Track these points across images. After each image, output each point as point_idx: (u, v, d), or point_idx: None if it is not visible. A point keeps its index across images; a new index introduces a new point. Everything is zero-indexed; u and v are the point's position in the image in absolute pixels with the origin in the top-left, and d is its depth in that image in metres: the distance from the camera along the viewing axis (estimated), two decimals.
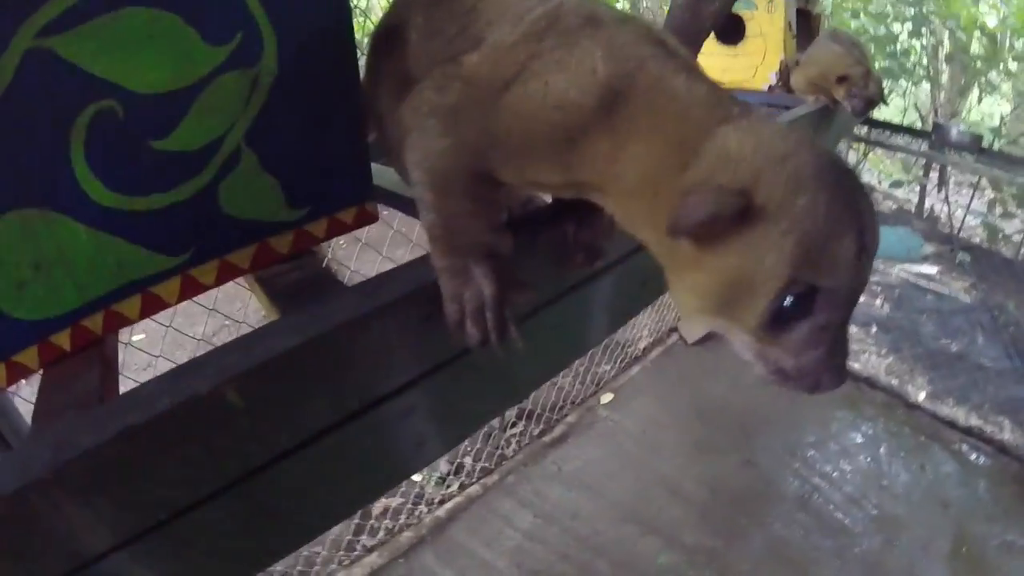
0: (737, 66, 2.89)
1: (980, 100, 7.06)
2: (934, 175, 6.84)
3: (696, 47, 1.60)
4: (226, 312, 2.69)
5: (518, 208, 0.95)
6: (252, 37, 0.89)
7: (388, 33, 1.01)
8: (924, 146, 3.56)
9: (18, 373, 0.88)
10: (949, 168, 5.52)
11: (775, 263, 0.60)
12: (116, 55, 0.81)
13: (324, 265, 1.08)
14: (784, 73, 2.77)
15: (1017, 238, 6.26)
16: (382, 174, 1.11)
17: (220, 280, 1.00)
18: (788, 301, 0.61)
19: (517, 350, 0.73)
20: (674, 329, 4.53)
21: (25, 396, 1.63)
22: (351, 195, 1.07)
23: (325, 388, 0.68)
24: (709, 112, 0.66)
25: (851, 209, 0.60)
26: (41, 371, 0.89)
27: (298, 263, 1.04)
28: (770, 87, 2.82)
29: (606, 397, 3.94)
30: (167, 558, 0.62)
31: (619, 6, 6.63)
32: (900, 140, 3.61)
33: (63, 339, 0.89)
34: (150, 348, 2.65)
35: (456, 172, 0.74)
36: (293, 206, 1.02)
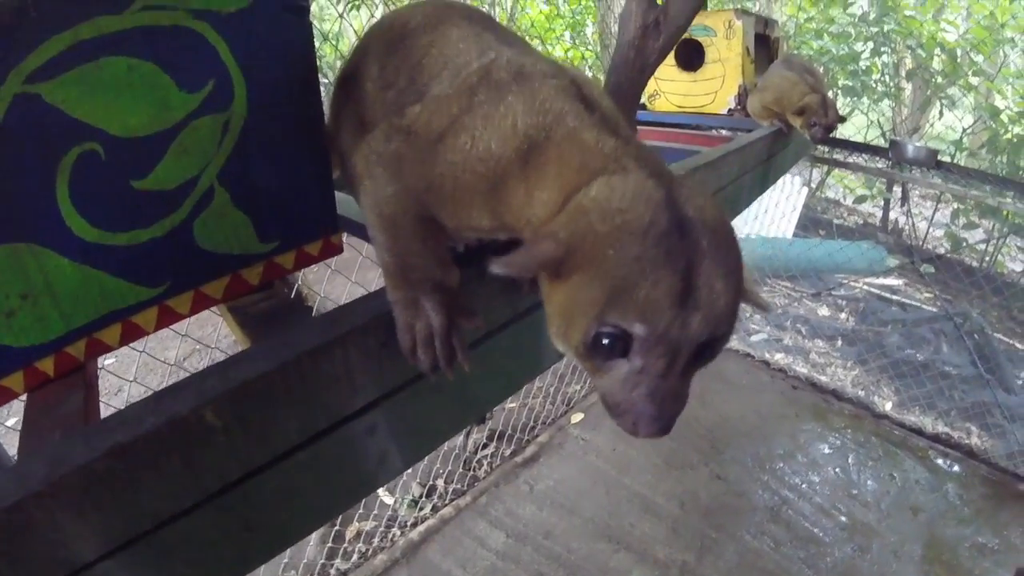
0: (697, 91, 2.97)
1: (941, 115, 7.22)
2: (897, 189, 7.00)
3: (642, 81, 1.67)
4: (197, 337, 2.70)
5: (468, 243, 1.00)
6: (224, 84, 0.95)
7: (349, 79, 1.07)
8: (882, 164, 3.65)
9: (3, 397, 0.92)
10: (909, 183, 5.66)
11: (586, 303, 0.66)
12: (98, 101, 0.87)
13: (293, 293, 1.13)
14: (743, 97, 2.86)
15: (981, 247, 6.42)
16: (349, 204, 1.16)
17: (195, 309, 1.05)
18: (604, 340, 0.66)
19: (466, 373, 0.80)
20: None
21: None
22: (317, 229, 1.13)
23: (294, 409, 0.74)
24: (602, 165, 0.71)
25: (670, 264, 0.63)
26: (25, 395, 0.93)
27: (267, 293, 1.10)
28: (729, 111, 2.90)
29: (576, 417, 3.97)
30: (151, 566, 0.66)
31: (590, 31, 6.75)
32: (859, 159, 3.70)
33: (47, 365, 0.94)
34: (122, 372, 2.66)
35: (403, 216, 0.80)
36: (263, 240, 1.07)
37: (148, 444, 0.62)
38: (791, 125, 2.28)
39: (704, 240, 0.66)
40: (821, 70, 6.78)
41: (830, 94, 6.31)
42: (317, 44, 1.07)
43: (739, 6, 6.89)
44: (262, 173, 1.03)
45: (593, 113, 0.77)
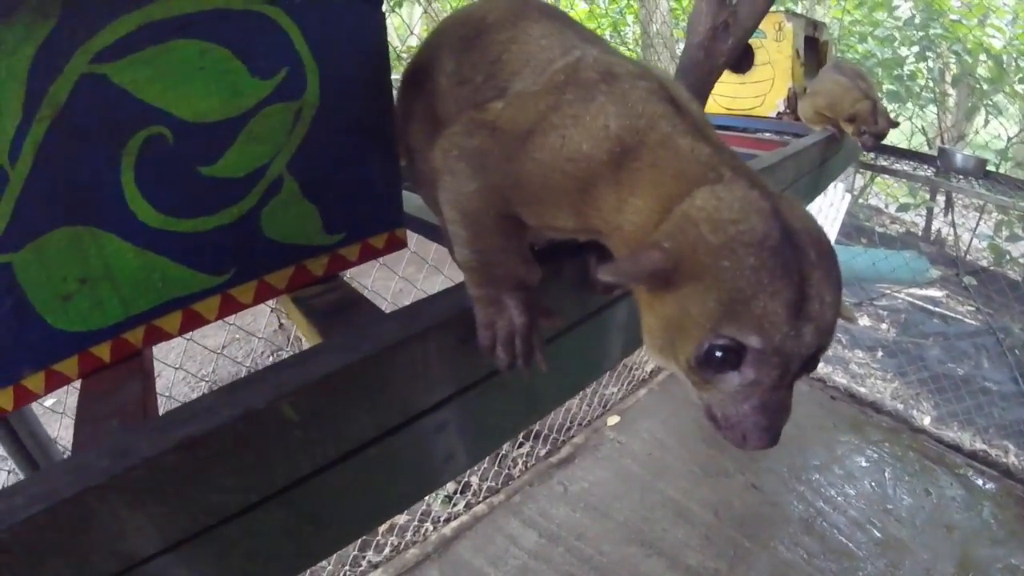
0: (746, 93, 2.93)
1: (986, 123, 7.08)
2: (941, 198, 6.87)
3: (710, 84, 1.65)
4: (239, 324, 2.72)
5: (544, 242, 0.98)
6: (297, 72, 0.94)
7: (420, 72, 1.05)
8: (930, 172, 3.57)
9: (57, 381, 0.91)
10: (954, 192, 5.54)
11: (700, 316, 0.64)
12: (167, 84, 0.86)
13: (351, 285, 1.12)
14: (792, 100, 2.81)
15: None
16: (405, 199, 1.15)
17: (258, 299, 1.04)
18: (717, 353, 0.65)
19: (541, 372, 0.79)
20: None
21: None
22: (384, 222, 1.13)
23: (370, 404, 0.73)
24: (701, 173, 0.70)
25: (787, 276, 0.63)
26: (79, 381, 0.93)
27: (332, 285, 1.09)
28: (778, 114, 2.86)
29: (613, 419, 3.95)
30: (210, 561, 0.65)
31: (630, 32, 6.71)
32: (906, 166, 3.63)
33: (103, 351, 0.93)
34: (161, 356, 2.68)
35: (486, 212, 0.78)
36: (329, 231, 1.06)
37: (221, 438, 0.61)
38: (843, 131, 2.24)
39: (812, 252, 0.65)
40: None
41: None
42: None
43: (785, 8, 6.84)
44: (331, 164, 1.02)
45: (685, 118, 0.75)
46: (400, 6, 6.50)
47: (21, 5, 0.75)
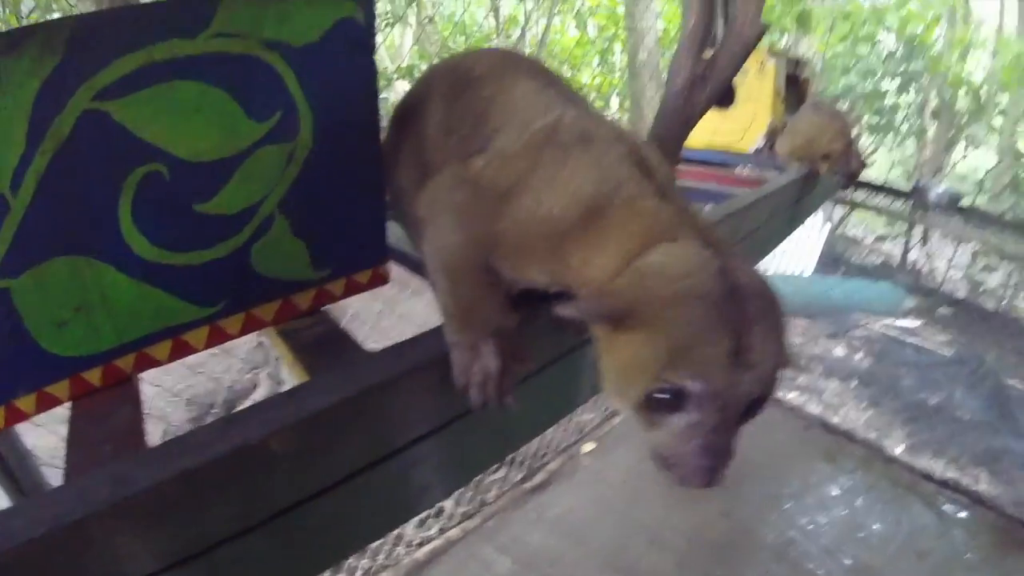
0: (726, 128, 3.00)
1: (965, 155, 7.24)
2: (918, 229, 6.99)
3: (687, 130, 1.70)
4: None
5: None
6: (291, 115, 0.99)
7: (409, 114, 1.11)
8: (905, 206, 3.66)
9: (48, 403, 0.94)
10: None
11: (647, 360, 0.70)
12: (166, 123, 0.90)
13: (335, 320, 1.15)
14: (772, 136, 2.88)
15: (1000, 291, 6.40)
16: (391, 230, 1.20)
17: (245, 331, 1.08)
18: (661, 395, 0.70)
19: (513, 411, 0.83)
20: None
21: None
22: (368, 258, 1.17)
23: (352, 440, 0.77)
24: (660, 232, 0.76)
25: (728, 327, 0.69)
26: (70, 403, 0.96)
27: (318, 318, 1.13)
28: (758, 149, 2.93)
29: (588, 446, 3.97)
30: None
31: (618, 60, 6.80)
32: (882, 200, 3.72)
33: (95, 375, 0.97)
34: None
35: (466, 263, 0.84)
36: (316, 267, 1.10)
37: (215, 470, 0.65)
38: (819, 169, 2.31)
39: (755, 306, 0.71)
40: (847, 107, 6.81)
41: (857, 135, 6.34)
42: None
43: (769, 42, 6.97)
44: (321, 203, 1.06)
45: (652, 180, 0.81)
46: (392, 26, 6.56)
47: (28, 40, 0.79)
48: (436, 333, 0.84)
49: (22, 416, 0.93)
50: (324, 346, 1.04)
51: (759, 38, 1.62)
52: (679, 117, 1.61)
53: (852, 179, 2.25)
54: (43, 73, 0.80)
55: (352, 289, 1.15)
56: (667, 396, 0.70)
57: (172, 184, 0.93)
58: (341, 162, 1.05)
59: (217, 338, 1.06)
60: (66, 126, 0.84)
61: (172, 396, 3.77)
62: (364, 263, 1.15)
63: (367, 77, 1.05)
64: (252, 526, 0.71)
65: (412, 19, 6.06)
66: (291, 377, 1.13)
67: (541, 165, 0.83)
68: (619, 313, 0.71)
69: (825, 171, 2.27)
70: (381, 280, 1.18)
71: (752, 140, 2.94)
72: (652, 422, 0.73)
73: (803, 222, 2.58)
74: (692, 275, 0.71)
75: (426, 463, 0.87)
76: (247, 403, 3.80)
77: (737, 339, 0.68)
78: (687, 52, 1.58)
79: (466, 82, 1.02)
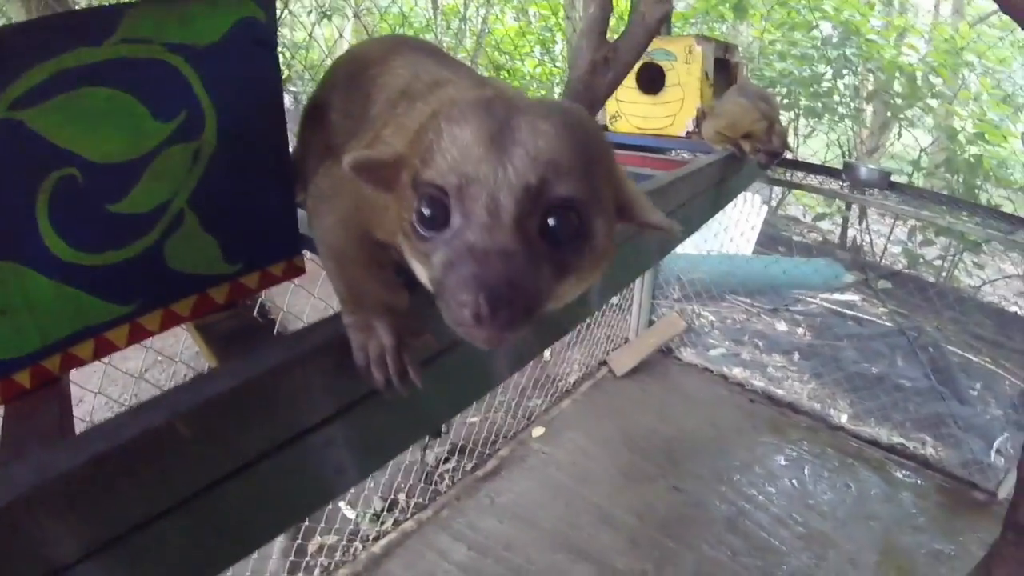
0: (657, 114, 3.07)
1: (900, 136, 7.43)
2: (856, 207, 7.19)
3: (593, 113, 1.75)
4: (158, 348, 2.71)
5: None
6: (195, 114, 1.01)
7: (316, 108, 1.15)
8: (838, 185, 3.76)
9: None
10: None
11: (408, 181, 0.66)
12: (78, 128, 0.92)
13: (257, 307, 1.18)
14: (700, 119, 2.95)
15: (937, 263, 6.62)
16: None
17: (164, 327, 1.10)
18: (424, 209, 0.64)
19: (419, 390, 0.85)
20: (603, 363, 4.67)
21: None
22: (281, 251, 1.19)
23: (258, 422, 0.79)
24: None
25: (485, 116, 0.63)
26: (2, 406, 0.97)
27: (233, 312, 1.15)
28: (688, 133, 3.00)
29: (537, 431, 4.01)
30: (126, 567, 0.71)
31: (559, 49, 6.86)
32: (815, 180, 3.82)
33: (24, 377, 0.98)
34: (84, 382, 2.66)
35: (347, 243, 0.86)
36: (229, 261, 1.13)
37: (125, 453, 0.67)
38: (743, 150, 2.38)
39: (524, 103, 0.66)
40: (783, 92, 6.96)
41: (788, 117, 6.46)
42: (287, 54, 1.13)
43: (705, 28, 7.08)
44: (229, 198, 1.08)
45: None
46: (330, 18, 6.51)
47: None
48: (335, 319, 0.87)
49: None
50: (238, 338, 1.06)
51: (662, 21, 1.67)
52: (583, 101, 1.64)
53: (773, 158, 2.32)
54: None
55: (267, 281, 1.18)
56: (430, 205, 0.64)
57: (86, 187, 0.95)
58: (247, 157, 1.08)
59: (138, 335, 1.08)
60: None
61: (119, 405, 3.73)
62: (277, 256, 1.18)
63: (270, 74, 1.07)
64: (166, 510, 0.73)
65: (349, 11, 6.02)
66: (207, 362, 1.16)
67: (393, 117, 0.84)
68: (395, 159, 0.69)
69: (749, 150, 2.33)
70: (296, 271, 1.21)
71: (682, 125, 3.01)
72: (426, 255, 0.65)
73: (728, 203, 2.66)
74: (458, 101, 0.67)
75: (337, 445, 0.89)
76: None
77: (499, 123, 0.63)
78: (588, 37, 1.62)
79: (360, 67, 1.05)
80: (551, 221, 0.63)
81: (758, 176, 3.00)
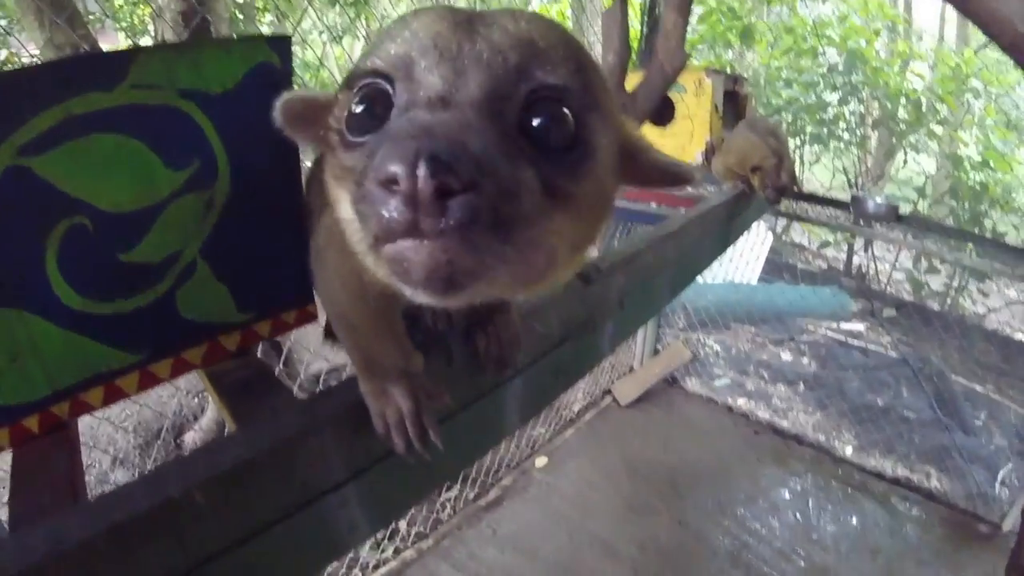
0: (667, 145, 3.07)
1: (905, 163, 7.44)
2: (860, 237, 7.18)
3: None
4: None
5: (431, 320, 1.04)
6: (209, 163, 1.00)
7: (317, 164, 1.12)
8: (845, 218, 3.75)
9: None
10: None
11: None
12: (87, 176, 0.91)
13: (262, 362, 1.17)
14: (710, 152, 2.96)
15: (943, 290, 6.61)
16: None
17: (174, 374, 1.09)
18: (358, 103, 0.53)
19: (439, 450, 0.84)
20: (608, 391, 4.64)
21: None
22: (293, 299, 1.18)
23: (274, 488, 0.79)
24: None
25: (453, 13, 0.53)
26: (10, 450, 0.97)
27: (244, 361, 1.14)
28: (697, 166, 3.00)
29: (541, 460, 3.98)
30: None
31: None
32: (821, 213, 3.80)
33: (32, 423, 0.97)
34: None
35: (350, 305, 0.81)
36: (241, 309, 1.12)
37: (142, 522, 0.67)
38: (753, 186, 2.37)
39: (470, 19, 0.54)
40: (789, 119, 6.98)
41: (794, 144, 6.46)
42: (298, 74, 1.13)
43: (712, 55, 7.11)
44: (242, 247, 1.07)
45: None
46: (341, 40, 6.56)
47: None
48: (351, 383, 0.87)
49: None
50: (250, 390, 1.05)
51: (679, 71, 1.67)
52: None
53: (781, 194, 2.31)
54: None
55: (279, 329, 1.17)
56: (361, 106, 0.53)
57: (96, 235, 0.94)
58: (261, 206, 1.07)
59: (148, 382, 1.07)
60: None
61: (118, 425, 3.73)
62: (290, 303, 1.17)
63: None
64: (183, 574, 0.73)
65: (362, 31, 6.06)
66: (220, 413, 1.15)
67: None
68: (321, 103, 0.59)
69: (756, 184, 2.32)
70: (309, 318, 1.20)
71: (691, 157, 3.01)
72: (350, 168, 0.52)
73: (737, 239, 2.65)
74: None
75: (351, 505, 0.89)
76: (194, 428, 3.77)
77: (467, 17, 0.53)
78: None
79: None
80: (536, 120, 0.50)
81: (766, 210, 2.99)
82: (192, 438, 3.68)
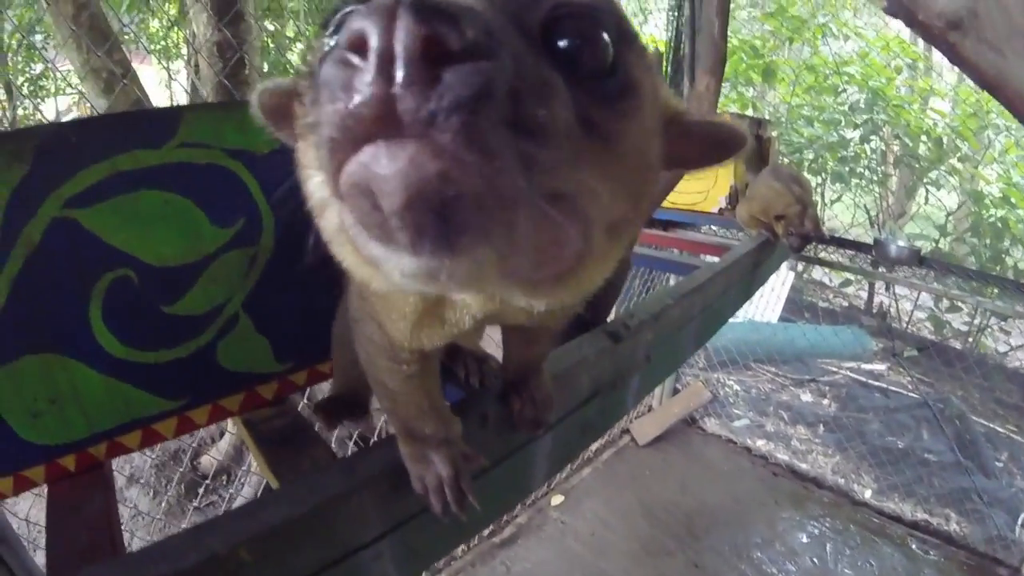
0: (690, 189, 3.08)
1: (927, 200, 7.40)
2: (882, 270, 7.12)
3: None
4: None
5: (464, 375, 1.06)
6: (254, 220, 1.04)
7: None
8: (866, 262, 3.74)
9: (24, 485, 0.98)
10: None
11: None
12: (133, 230, 0.95)
13: (297, 410, 1.19)
14: (734, 197, 2.97)
15: (965, 330, 6.53)
16: None
17: (212, 420, 1.12)
18: (331, 62, 0.33)
19: (475, 509, 0.86)
20: (626, 431, 4.62)
21: None
22: (330, 349, 1.20)
23: (316, 544, 0.82)
24: None
25: None
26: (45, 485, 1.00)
27: (280, 410, 1.18)
28: (720, 210, 3.01)
29: (557, 499, 3.95)
30: None
31: None
32: (843, 256, 3.79)
33: (69, 462, 1.00)
34: None
35: (389, 374, 0.80)
36: (279, 360, 1.15)
37: None
38: (777, 233, 2.37)
39: None
40: (811, 157, 6.97)
41: (815, 182, 6.44)
42: None
43: (736, 95, 7.13)
44: (282, 302, 1.11)
45: None
46: None
47: None
48: (390, 442, 0.89)
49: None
50: (288, 441, 1.07)
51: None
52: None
53: (806, 241, 2.31)
54: (12, 181, 0.85)
55: (315, 379, 1.20)
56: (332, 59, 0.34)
57: (141, 288, 0.97)
58: (302, 261, 1.10)
59: (185, 427, 1.10)
60: (37, 233, 0.88)
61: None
62: (326, 354, 1.20)
63: None
64: None
65: None
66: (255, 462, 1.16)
67: None
68: (296, 91, 0.48)
69: (780, 232, 2.32)
70: None
71: (715, 201, 3.02)
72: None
73: (761, 286, 2.65)
74: None
75: (385, 558, 0.90)
76: (212, 450, 3.78)
77: None
78: None
79: None
80: (563, 41, 0.38)
81: (788, 256, 2.99)
82: (209, 461, 3.70)
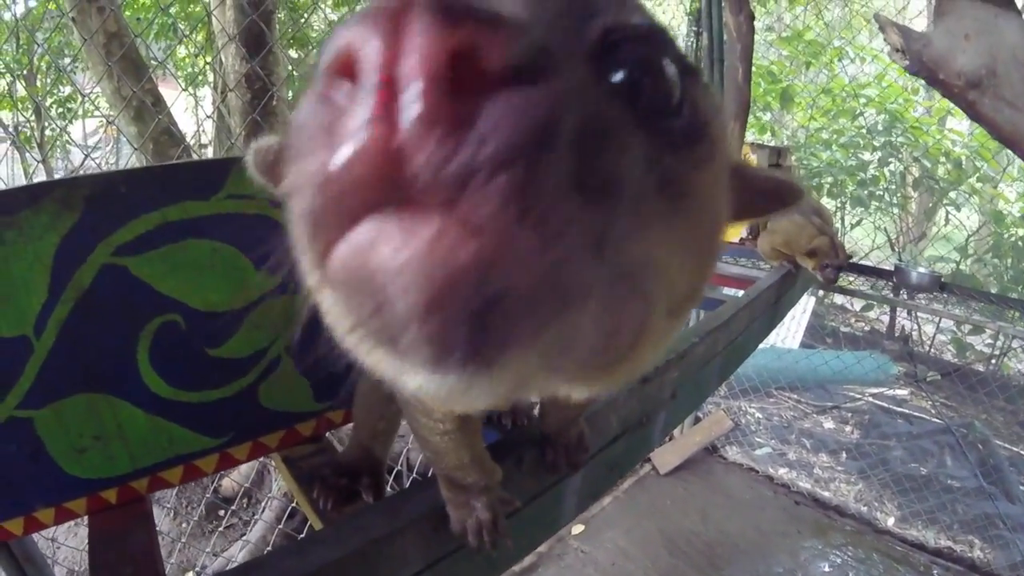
0: None
1: (947, 222, 7.35)
2: (904, 297, 7.08)
3: None
4: None
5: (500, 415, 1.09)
6: (298, 268, 1.07)
7: None
8: (887, 289, 3.73)
9: (65, 516, 1.02)
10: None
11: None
12: (181, 278, 0.99)
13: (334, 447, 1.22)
14: (754, 227, 2.98)
15: (987, 353, 6.46)
16: None
17: (251, 456, 1.16)
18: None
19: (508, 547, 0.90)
20: (647, 460, 4.59)
21: None
22: None
23: None
24: None
25: None
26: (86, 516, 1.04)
27: (318, 447, 1.21)
28: (741, 239, 3.03)
29: (577, 528, 3.92)
30: None
31: None
32: (863, 284, 3.79)
33: (111, 495, 1.05)
34: None
35: (429, 430, 0.81)
36: (319, 400, 1.19)
37: None
38: (799, 265, 2.39)
39: None
40: (829, 181, 6.97)
41: (834, 206, 6.42)
42: None
43: (753, 119, 7.15)
44: (324, 344, 1.14)
45: None
46: None
47: (47, 195, 0.88)
48: (432, 485, 0.93)
49: (40, 526, 1.01)
50: (325, 476, 1.11)
51: None
52: None
53: (840, 270, 2.33)
54: (62, 228, 0.90)
55: (351, 418, 1.23)
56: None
57: (188, 332, 1.02)
58: None
59: (226, 463, 1.14)
60: (86, 278, 0.93)
61: None
62: None
63: None
64: None
65: None
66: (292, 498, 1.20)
67: None
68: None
69: (812, 267, 2.33)
70: None
71: (736, 232, 3.04)
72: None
73: (783, 319, 2.66)
74: None
75: None
76: (231, 476, 3.81)
77: None
78: None
79: None
80: (619, 71, 0.29)
81: (810, 287, 3.00)
82: (230, 484, 3.73)
